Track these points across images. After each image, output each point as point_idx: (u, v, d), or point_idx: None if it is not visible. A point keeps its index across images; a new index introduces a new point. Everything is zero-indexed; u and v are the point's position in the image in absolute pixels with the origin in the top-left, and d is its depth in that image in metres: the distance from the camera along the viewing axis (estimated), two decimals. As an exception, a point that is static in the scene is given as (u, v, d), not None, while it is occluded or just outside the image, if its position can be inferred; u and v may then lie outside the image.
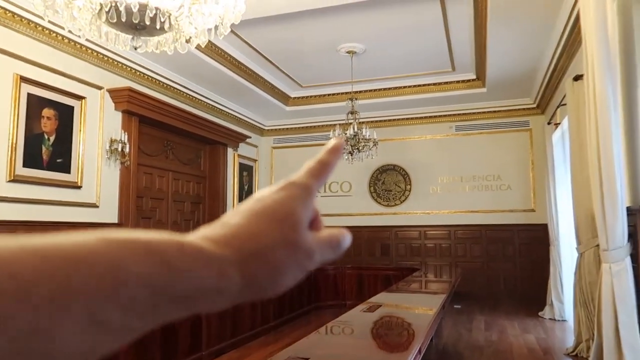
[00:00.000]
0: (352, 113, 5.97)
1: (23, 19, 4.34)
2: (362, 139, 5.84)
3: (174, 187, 6.90)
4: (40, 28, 4.49)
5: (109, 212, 5.38)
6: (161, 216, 6.58)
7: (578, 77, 4.34)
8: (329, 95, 7.79)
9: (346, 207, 8.56)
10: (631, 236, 2.67)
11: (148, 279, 0.26)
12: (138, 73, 5.84)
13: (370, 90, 7.60)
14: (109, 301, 0.24)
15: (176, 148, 6.97)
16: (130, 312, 0.25)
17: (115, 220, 5.46)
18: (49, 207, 4.59)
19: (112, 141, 5.37)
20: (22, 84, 4.34)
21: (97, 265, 0.24)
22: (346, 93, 6.23)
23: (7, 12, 4.20)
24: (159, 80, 6.23)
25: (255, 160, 8.91)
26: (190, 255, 0.28)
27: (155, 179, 6.51)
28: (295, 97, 8.04)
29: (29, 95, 4.41)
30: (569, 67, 5.22)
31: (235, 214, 0.33)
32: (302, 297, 6.25)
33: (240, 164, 8.38)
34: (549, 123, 6.16)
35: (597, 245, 4.12)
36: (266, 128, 9.09)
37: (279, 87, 7.53)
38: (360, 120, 6.13)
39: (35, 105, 4.48)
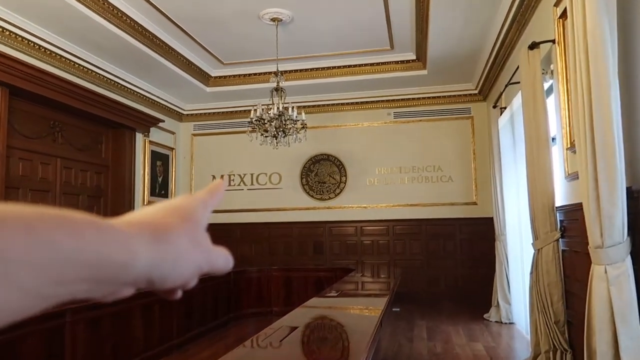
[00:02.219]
0: (276, 90, 5.11)
1: None
2: (288, 119, 4.99)
3: (65, 177, 5.74)
4: None
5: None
6: (46, 212, 5.40)
7: (534, 45, 3.73)
8: (254, 75, 6.89)
9: (275, 201, 7.70)
10: (630, 228, 2.02)
11: (58, 243, 0.27)
12: (7, 33, 4.66)
13: (300, 71, 6.78)
14: (20, 260, 0.25)
15: (68, 130, 5.80)
16: (39, 274, 0.26)
17: (-27, 217, 4.28)
18: None
19: (-34, 116, 4.20)
20: None
21: (11, 227, 0.25)
22: (274, 73, 5.37)
23: None
24: (40, 46, 5.06)
25: (172, 149, 7.83)
26: (99, 227, 0.29)
27: (38, 166, 5.34)
28: (216, 77, 7.07)
29: None
30: (519, 39, 4.65)
31: (145, 209, 0.37)
32: (218, 306, 5.32)
33: (154, 152, 7.30)
34: (494, 106, 5.61)
35: (557, 240, 3.55)
36: (185, 112, 8.04)
37: (196, 63, 6.53)
38: (289, 103, 5.27)
39: None
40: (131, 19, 5.13)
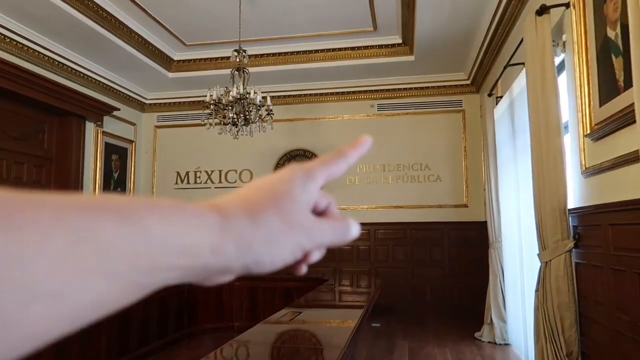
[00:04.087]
0: (238, 70, 4.38)
1: None
2: (251, 104, 4.25)
3: (-7, 170, 4.95)
4: None
5: None
6: (-33, 210, 4.60)
7: (544, 9, 3.04)
8: (221, 59, 6.14)
9: (245, 201, 6.94)
10: None
11: (149, 229, 0.26)
12: None
13: (272, 55, 6.05)
14: (115, 248, 0.24)
15: (0, 116, 5.01)
16: (133, 262, 0.25)
17: None
18: None
19: None
20: None
21: (104, 215, 0.25)
22: (235, 50, 4.62)
23: None
24: (-43, 12, 4.28)
25: (131, 141, 7.05)
26: (187, 211, 0.29)
27: (-43, 156, 4.55)
28: (179, 61, 6.31)
29: None
30: (522, 9, 3.96)
31: (237, 190, 0.34)
32: (167, 321, 4.56)
33: (108, 145, 6.51)
34: (489, 94, 4.93)
35: (570, 251, 2.85)
36: (148, 102, 7.26)
37: (154, 43, 5.77)
38: (263, 91, 4.50)
39: None
40: (67, -16, 4.38)
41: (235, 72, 4.36)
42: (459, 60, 5.96)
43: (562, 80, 3.15)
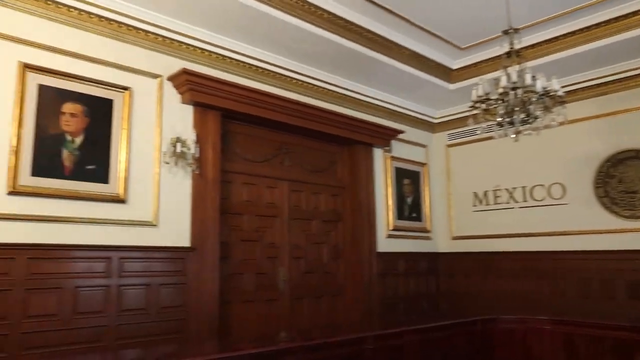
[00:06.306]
0: (508, 54, 3.48)
1: (34, -3, 3.55)
2: (529, 91, 3.27)
3: (294, 201, 5.40)
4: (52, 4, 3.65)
5: (175, 232, 4.17)
6: (274, 237, 5.13)
7: None
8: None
9: (557, 221, 5.64)
10: None
11: None
12: (214, 56, 4.60)
13: (567, 35, 4.76)
14: None
15: (296, 152, 5.48)
16: None
17: (187, 244, 4.22)
18: (72, 225, 3.60)
19: (174, 142, 4.21)
20: (29, 72, 3.50)
21: None
22: (503, 32, 3.71)
23: (11, -11, 3.45)
24: (247, 63, 4.79)
25: (423, 164, 6.77)
26: None
27: (263, 190, 5.13)
28: (458, 69, 5.72)
29: (41, 88, 3.56)
30: None
31: None
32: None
33: (398, 169, 6.39)
34: None
35: None
36: (436, 121, 6.89)
37: (425, 54, 5.37)
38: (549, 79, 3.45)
39: (50, 99, 3.60)
40: (330, 13, 4.44)
41: (506, 57, 3.48)
42: None
43: None
